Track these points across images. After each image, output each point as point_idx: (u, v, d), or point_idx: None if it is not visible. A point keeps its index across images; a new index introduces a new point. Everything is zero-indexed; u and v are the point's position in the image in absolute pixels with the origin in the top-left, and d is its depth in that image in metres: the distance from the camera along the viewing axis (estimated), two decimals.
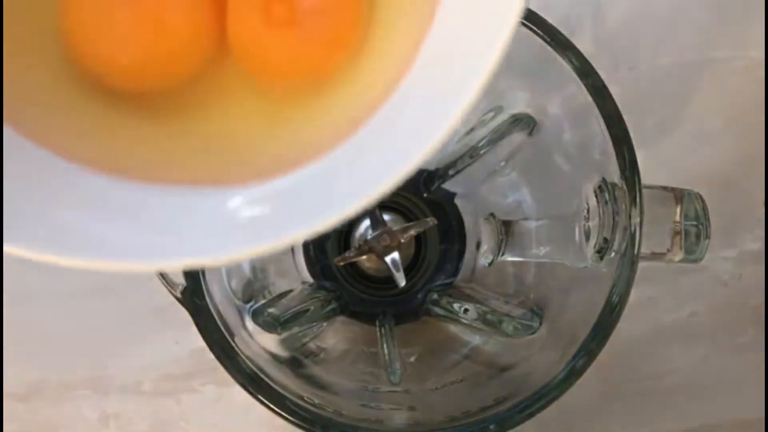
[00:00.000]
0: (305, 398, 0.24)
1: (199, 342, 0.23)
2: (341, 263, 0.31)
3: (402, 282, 0.29)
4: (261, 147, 0.17)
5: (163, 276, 0.24)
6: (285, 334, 0.28)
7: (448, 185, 0.32)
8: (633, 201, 0.23)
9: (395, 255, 0.29)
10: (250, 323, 0.27)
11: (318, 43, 0.16)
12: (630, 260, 0.23)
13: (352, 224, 0.33)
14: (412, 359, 0.31)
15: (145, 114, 0.17)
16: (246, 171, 0.16)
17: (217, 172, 0.16)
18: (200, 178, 0.16)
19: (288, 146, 0.17)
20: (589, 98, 0.24)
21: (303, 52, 0.17)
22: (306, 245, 0.33)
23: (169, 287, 0.24)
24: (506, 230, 0.30)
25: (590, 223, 0.25)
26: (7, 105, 0.16)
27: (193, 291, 0.24)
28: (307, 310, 0.30)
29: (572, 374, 0.24)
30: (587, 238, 0.25)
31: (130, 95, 0.17)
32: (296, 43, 0.16)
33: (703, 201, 0.24)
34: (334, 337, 0.32)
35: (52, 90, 0.17)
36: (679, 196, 0.24)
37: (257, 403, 0.24)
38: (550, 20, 0.23)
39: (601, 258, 0.24)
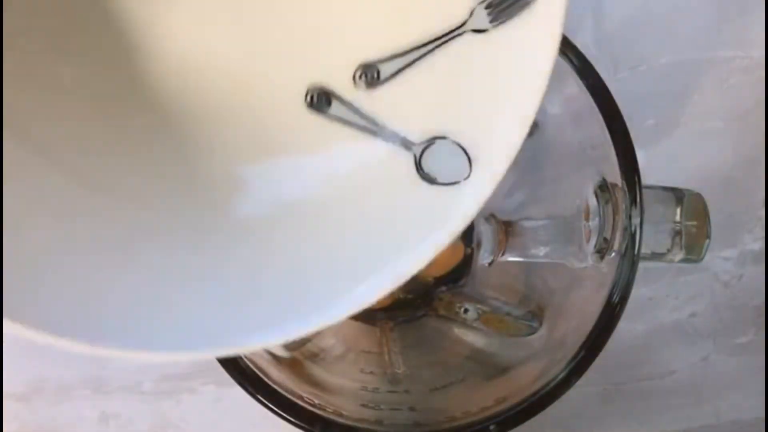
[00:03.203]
0: (305, 398, 0.24)
1: None
2: None
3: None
4: None
5: None
6: None
7: None
8: (633, 201, 0.23)
9: None
10: None
11: None
12: (630, 260, 0.23)
13: None
14: (413, 359, 0.31)
15: None
16: None
17: None
18: None
19: None
20: (590, 98, 0.24)
21: None
22: None
23: None
24: (506, 230, 0.29)
25: (590, 223, 0.25)
26: None
27: None
28: None
29: (572, 374, 0.24)
30: (587, 238, 0.25)
31: None
32: None
33: (703, 201, 0.24)
34: (334, 337, 0.32)
35: None
36: (679, 196, 0.24)
37: (257, 404, 0.24)
38: None
39: (602, 258, 0.24)
